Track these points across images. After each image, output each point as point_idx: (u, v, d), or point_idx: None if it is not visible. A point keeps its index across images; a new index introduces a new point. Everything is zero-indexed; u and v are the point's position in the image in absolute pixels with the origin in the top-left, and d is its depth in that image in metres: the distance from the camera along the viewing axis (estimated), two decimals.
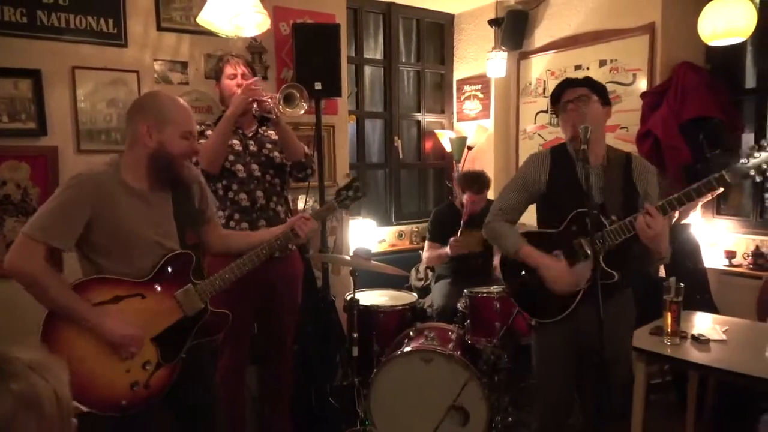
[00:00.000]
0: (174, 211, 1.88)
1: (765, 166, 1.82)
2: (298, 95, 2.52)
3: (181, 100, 1.87)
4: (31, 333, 1.74)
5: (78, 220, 1.71)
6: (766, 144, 1.82)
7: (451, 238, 3.38)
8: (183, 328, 1.84)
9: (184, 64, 3.12)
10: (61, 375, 0.91)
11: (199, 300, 1.86)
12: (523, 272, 2.18)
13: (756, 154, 1.83)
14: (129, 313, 1.75)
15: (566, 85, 2.17)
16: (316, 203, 3.36)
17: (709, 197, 3.35)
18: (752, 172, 1.84)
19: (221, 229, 2.16)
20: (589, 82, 2.16)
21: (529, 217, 2.36)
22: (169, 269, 1.82)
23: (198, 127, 2.65)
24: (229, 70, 2.67)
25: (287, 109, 2.51)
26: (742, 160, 1.85)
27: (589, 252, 2.03)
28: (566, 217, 2.09)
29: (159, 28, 3.03)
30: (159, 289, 1.81)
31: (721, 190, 3.30)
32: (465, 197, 3.49)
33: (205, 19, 2.60)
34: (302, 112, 2.55)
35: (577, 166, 2.10)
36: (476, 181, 3.47)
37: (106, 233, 1.75)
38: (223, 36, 2.70)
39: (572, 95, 2.11)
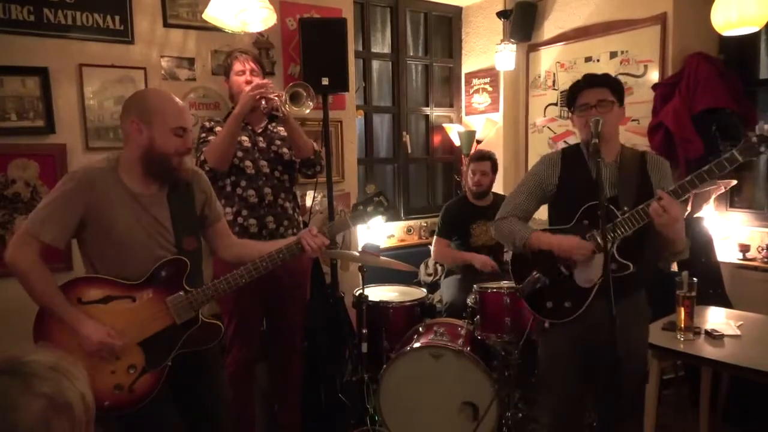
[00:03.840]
0: (171, 215, 1.83)
1: None
2: (304, 94, 2.50)
3: (174, 97, 1.81)
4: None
5: (69, 218, 1.71)
6: None
7: (488, 260, 3.30)
8: (171, 336, 1.79)
9: (191, 61, 3.11)
10: (82, 377, 0.89)
11: (189, 308, 1.81)
12: (535, 272, 2.13)
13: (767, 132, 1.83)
14: (118, 314, 1.73)
15: (586, 84, 2.09)
16: (324, 198, 3.34)
17: (722, 190, 3.31)
18: (762, 148, 1.82)
19: (231, 238, 2.09)
20: (608, 82, 2.09)
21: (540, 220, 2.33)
22: (163, 274, 1.78)
23: (207, 123, 2.67)
24: (237, 66, 2.66)
25: (293, 108, 2.49)
26: (753, 139, 1.83)
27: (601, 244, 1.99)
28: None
29: (165, 25, 3.02)
30: (150, 293, 1.77)
31: (734, 182, 3.29)
32: (471, 176, 3.53)
33: (211, 14, 2.58)
34: (308, 111, 2.53)
35: (589, 163, 2.06)
36: (479, 153, 3.67)
37: (99, 233, 1.75)
38: (230, 32, 2.68)
39: (593, 98, 2.04)
